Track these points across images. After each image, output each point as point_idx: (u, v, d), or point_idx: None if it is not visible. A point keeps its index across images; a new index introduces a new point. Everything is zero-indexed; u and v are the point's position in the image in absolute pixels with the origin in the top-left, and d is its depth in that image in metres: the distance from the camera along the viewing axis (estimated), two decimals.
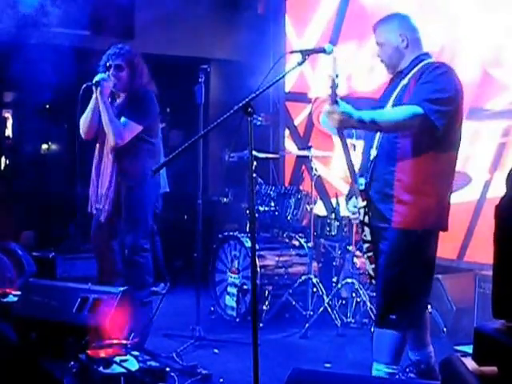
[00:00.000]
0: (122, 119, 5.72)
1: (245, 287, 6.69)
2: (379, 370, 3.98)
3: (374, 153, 4.06)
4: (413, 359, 4.31)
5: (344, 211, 4.39)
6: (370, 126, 3.88)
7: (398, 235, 3.94)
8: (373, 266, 4.11)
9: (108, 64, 5.80)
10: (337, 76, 3.79)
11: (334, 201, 7.00)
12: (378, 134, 4.04)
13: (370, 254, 4.11)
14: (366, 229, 4.08)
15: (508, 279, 2.22)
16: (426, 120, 3.78)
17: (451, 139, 3.95)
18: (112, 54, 5.84)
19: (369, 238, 4.09)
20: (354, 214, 4.19)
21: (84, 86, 5.64)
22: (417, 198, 3.91)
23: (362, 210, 4.06)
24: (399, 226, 3.93)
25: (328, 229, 6.77)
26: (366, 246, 4.13)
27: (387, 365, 3.96)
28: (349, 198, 4.27)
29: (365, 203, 4.04)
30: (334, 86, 3.78)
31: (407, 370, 4.50)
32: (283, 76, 4.40)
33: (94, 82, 5.61)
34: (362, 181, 4.08)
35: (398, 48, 4.12)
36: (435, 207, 3.96)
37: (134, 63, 5.86)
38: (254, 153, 6.02)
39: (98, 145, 5.99)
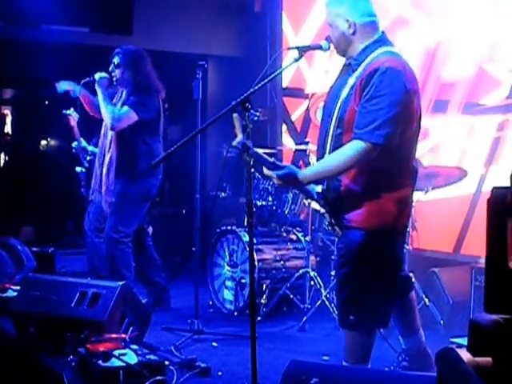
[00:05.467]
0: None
1: (243, 281, 6.72)
2: None
3: None
4: (404, 346, 4.31)
5: None
6: (320, 178, 3.82)
7: (348, 233, 3.84)
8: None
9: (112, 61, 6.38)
10: (248, 138, 3.77)
11: None
12: (329, 141, 3.88)
13: None
14: (337, 228, 3.97)
15: (499, 274, 2.25)
16: (372, 148, 3.64)
17: (403, 142, 3.78)
18: (115, 53, 6.40)
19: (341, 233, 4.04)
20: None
21: (82, 82, 6.30)
22: (365, 201, 3.79)
23: (326, 215, 4.02)
24: (349, 224, 3.82)
25: (325, 223, 6.78)
26: None
27: (354, 365, 3.90)
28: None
29: (324, 210, 3.99)
30: (252, 152, 3.76)
31: (400, 357, 4.53)
32: (280, 72, 4.42)
33: (92, 78, 6.24)
34: (317, 189, 3.98)
35: (344, 34, 3.89)
36: (385, 208, 3.81)
37: (132, 62, 6.36)
38: None
39: (100, 140, 6.53)
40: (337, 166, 3.73)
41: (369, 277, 3.82)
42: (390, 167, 3.80)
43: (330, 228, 4.11)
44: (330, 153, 3.86)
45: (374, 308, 3.85)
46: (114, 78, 6.36)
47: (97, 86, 6.22)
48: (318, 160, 4.06)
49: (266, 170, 3.81)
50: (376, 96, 3.67)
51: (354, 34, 3.87)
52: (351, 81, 3.84)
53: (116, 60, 6.35)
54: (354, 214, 3.83)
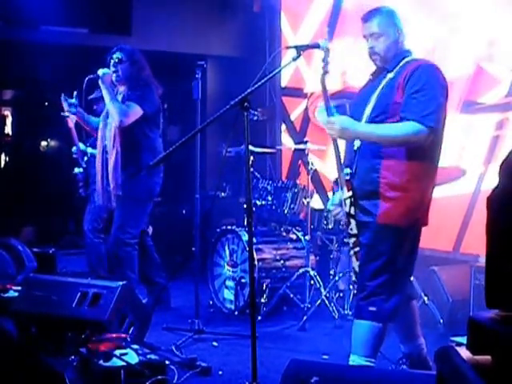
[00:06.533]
0: (126, 103, 6.23)
1: (243, 280, 6.74)
2: (355, 361, 3.99)
3: (357, 143, 4.07)
4: (404, 351, 4.35)
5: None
6: (370, 138, 3.94)
7: (382, 230, 3.95)
8: (358, 262, 4.12)
9: (111, 60, 6.30)
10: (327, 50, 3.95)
11: (330, 194, 7.04)
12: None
13: (356, 249, 4.09)
14: (352, 221, 4.06)
15: (500, 269, 2.26)
16: (430, 133, 3.85)
17: (437, 136, 3.98)
18: (113, 51, 6.34)
19: (355, 231, 4.07)
20: (335, 207, 4.21)
21: (87, 78, 6.18)
22: (402, 195, 3.93)
23: (347, 201, 4.06)
24: (384, 221, 3.94)
25: (325, 222, 6.81)
26: (352, 240, 4.10)
27: (365, 357, 3.97)
28: (337, 189, 4.26)
29: (350, 193, 4.04)
30: (326, 58, 3.93)
31: (400, 362, 4.56)
32: (279, 71, 4.45)
33: (96, 75, 6.13)
34: (347, 170, 4.08)
35: (397, 42, 4.14)
36: (419, 204, 4.00)
37: (134, 57, 6.36)
38: (251, 147, 6.11)
39: (99, 140, 6.48)
40: (391, 137, 3.91)
41: (396, 271, 3.99)
42: (426, 160, 4.00)
43: (345, 218, 4.14)
44: (361, 141, 4.05)
45: (394, 301, 3.99)
46: (115, 75, 6.29)
47: (101, 83, 6.15)
48: (344, 155, 4.23)
49: (325, 118, 4.01)
50: (424, 88, 3.90)
51: (402, 42, 4.17)
52: (390, 75, 4.08)
53: (118, 56, 6.29)
54: (390, 211, 3.96)
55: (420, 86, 3.90)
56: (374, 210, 3.98)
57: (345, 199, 4.07)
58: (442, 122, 3.93)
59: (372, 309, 3.95)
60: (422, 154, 3.94)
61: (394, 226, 3.94)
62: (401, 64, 4.07)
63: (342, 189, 4.09)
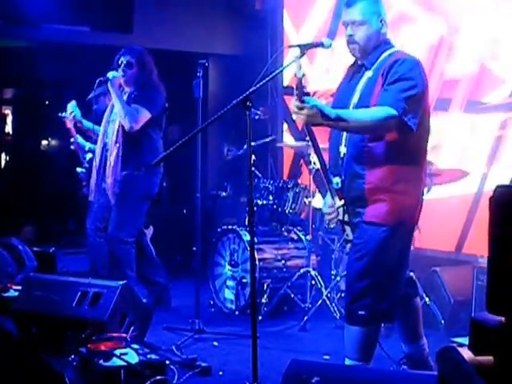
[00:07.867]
0: (133, 106, 6.22)
1: (244, 280, 6.73)
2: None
3: (343, 150, 3.99)
4: (406, 351, 4.32)
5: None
6: (340, 124, 3.78)
7: (368, 229, 3.90)
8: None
9: (120, 61, 6.28)
10: (303, 75, 3.79)
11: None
12: (344, 139, 3.97)
13: None
14: (347, 228, 4.04)
15: (502, 274, 2.24)
16: (399, 121, 3.72)
17: (420, 135, 3.89)
18: (123, 52, 6.33)
19: (351, 237, 4.04)
20: (329, 214, 4.15)
21: (98, 80, 6.16)
22: (388, 196, 3.86)
23: (340, 210, 4.01)
24: (370, 219, 3.89)
25: (326, 222, 6.78)
26: (348, 246, 4.10)
27: (357, 361, 3.92)
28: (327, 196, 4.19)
29: (342, 202, 3.98)
30: (301, 86, 3.77)
31: (401, 362, 4.53)
32: (281, 70, 4.42)
33: (105, 77, 6.10)
34: (337, 180, 4.00)
35: (378, 32, 3.99)
36: (407, 203, 3.91)
37: (144, 60, 6.37)
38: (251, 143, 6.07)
39: (100, 137, 6.48)
40: (361, 121, 3.76)
41: (384, 272, 3.91)
42: (411, 161, 3.91)
43: (340, 226, 4.11)
44: (346, 148, 3.96)
45: (385, 303, 3.92)
46: (124, 79, 6.28)
47: (110, 86, 6.11)
48: (329, 162, 4.12)
49: (296, 102, 3.79)
50: (399, 79, 3.78)
51: (385, 32, 4.01)
52: (368, 73, 3.96)
53: (126, 59, 6.27)
54: (376, 209, 3.90)
55: (396, 78, 3.79)
56: (362, 210, 3.94)
57: (338, 208, 4.02)
58: (416, 115, 3.78)
59: (361, 313, 3.88)
60: (405, 155, 3.87)
61: (380, 225, 3.88)
62: (379, 60, 3.94)
63: (333, 198, 4.04)
